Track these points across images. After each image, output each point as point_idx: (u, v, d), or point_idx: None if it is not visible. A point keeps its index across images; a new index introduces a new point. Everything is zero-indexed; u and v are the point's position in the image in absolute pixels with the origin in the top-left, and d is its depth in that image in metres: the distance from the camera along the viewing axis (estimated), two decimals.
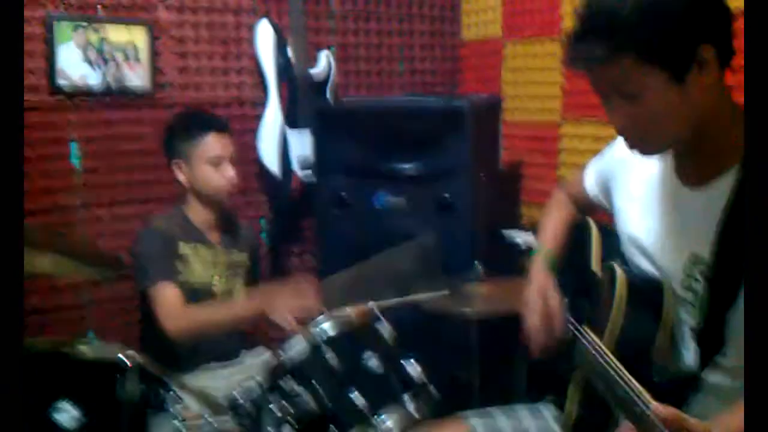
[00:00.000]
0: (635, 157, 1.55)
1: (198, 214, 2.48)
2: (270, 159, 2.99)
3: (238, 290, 2.54)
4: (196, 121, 2.49)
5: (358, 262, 2.25)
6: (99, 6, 2.69)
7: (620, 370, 1.34)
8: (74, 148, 2.72)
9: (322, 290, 2.24)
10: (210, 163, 2.41)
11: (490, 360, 2.45)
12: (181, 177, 2.44)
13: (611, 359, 1.38)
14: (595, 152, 2.80)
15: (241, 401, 1.67)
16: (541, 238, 1.89)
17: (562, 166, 3.09)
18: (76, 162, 2.73)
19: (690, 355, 1.44)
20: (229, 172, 2.44)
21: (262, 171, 3.01)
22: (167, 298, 2.25)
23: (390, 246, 2.37)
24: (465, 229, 2.66)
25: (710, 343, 1.39)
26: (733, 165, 1.35)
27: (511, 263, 3.08)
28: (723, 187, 1.36)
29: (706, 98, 1.32)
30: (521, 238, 2.77)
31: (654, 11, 1.27)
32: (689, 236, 1.43)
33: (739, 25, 1.29)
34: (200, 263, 2.44)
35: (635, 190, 1.60)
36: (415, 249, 2.35)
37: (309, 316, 2.15)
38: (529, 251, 2.68)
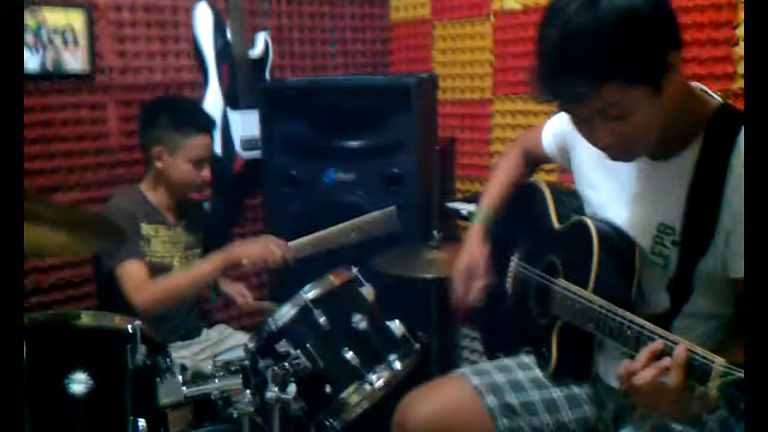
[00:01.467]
0: None
1: (159, 197, 2.49)
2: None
3: None
4: (189, 115, 2.49)
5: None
6: None
7: (607, 305, 1.45)
8: None
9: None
10: (192, 163, 2.43)
11: (447, 322, 2.58)
12: (159, 164, 2.43)
13: (596, 299, 1.50)
14: (526, 127, 3.01)
15: (236, 367, 1.73)
16: (484, 197, 2.00)
17: (495, 141, 3.25)
18: None
19: (660, 302, 1.55)
20: (206, 173, 2.47)
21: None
22: (134, 273, 2.26)
23: (341, 221, 2.48)
24: (414, 200, 2.77)
25: (680, 293, 1.50)
26: (695, 138, 1.44)
27: (457, 232, 3.25)
28: (688, 159, 1.45)
29: (674, 96, 1.39)
30: (464, 208, 2.93)
31: (626, 34, 1.28)
32: (657, 207, 1.52)
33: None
34: (161, 244, 2.45)
35: (596, 159, 1.66)
36: (380, 217, 2.45)
37: (275, 261, 2.26)
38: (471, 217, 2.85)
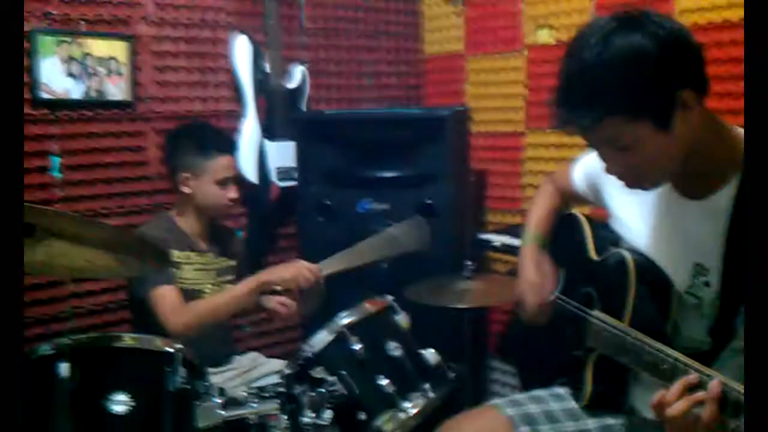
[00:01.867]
0: None
1: (189, 223, 2.53)
2: (248, 170, 3.05)
3: None
4: (211, 138, 2.55)
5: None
6: (81, 21, 2.72)
7: (643, 338, 1.45)
8: (56, 162, 2.72)
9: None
10: (219, 183, 2.48)
11: (479, 353, 2.57)
12: (186, 189, 2.48)
13: (632, 331, 1.50)
14: (559, 160, 3.02)
15: (270, 393, 1.75)
16: (529, 223, 2.00)
17: (527, 174, 3.26)
18: (57, 174, 2.73)
19: (698, 339, 1.54)
20: (233, 193, 2.52)
21: (241, 183, 3.07)
22: (168, 297, 2.29)
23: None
24: (446, 231, 2.79)
25: (722, 336, 1.50)
26: (732, 177, 1.45)
27: (488, 263, 3.26)
28: (724, 199, 1.45)
29: (692, 132, 1.41)
30: (496, 239, 2.94)
31: (631, 72, 1.32)
32: (692, 247, 1.52)
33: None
34: (192, 270, 2.49)
35: (630, 197, 1.67)
36: (407, 227, 2.47)
37: (308, 283, 2.29)
38: (505, 249, 2.86)
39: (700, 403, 1.24)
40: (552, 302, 1.83)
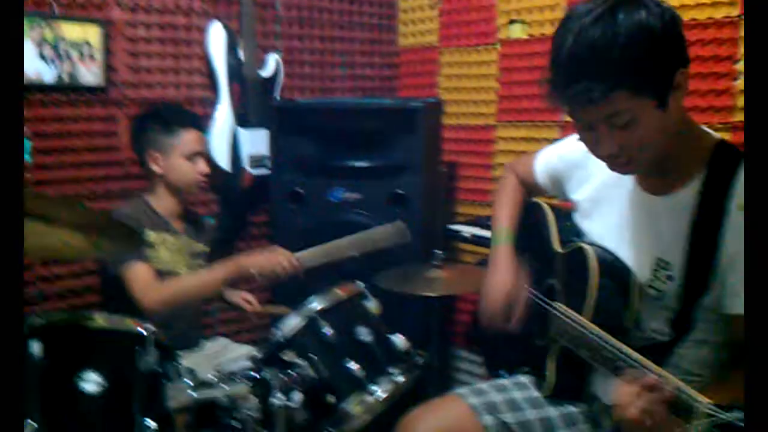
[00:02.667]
0: (591, 158, 1.64)
1: (163, 204, 2.54)
2: (221, 157, 3.05)
3: None
4: (174, 115, 2.57)
5: None
6: (54, 4, 2.70)
7: (602, 335, 1.49)
8: (27, 145, 2.70)
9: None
10: (186, 158, 2.50)
11: (445, 342, 2.61)
12: (156, 168, 2.50)
13: (592, 327, 1.54)
14: (527, 154, 3.05)
15: (239, 376, 1.77)
16: (498, 218, 2.01)
17: (498, 167, 3.31)
18: (27, 158, 2.71)
19: (659, 332, 1.59)
20: (203, 167, 2.54)
21: (212, 169, 3.07)
22: (141, 274, 2.30)
23: None
24: (417, 221, 2.82)
25: (682, 327, 1.55)
26: (697, 174, 1.49)
27: (457, 253, 3.30)
28: (688, 196, 1.50)
29: (677, 116, 1.45)
30: (466, 230, 2.98)
31: (639, 48, 1.34)
32: (655, 242, 1.56)
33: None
34: (166, 251, 2.49)
35: (595, 192, 1.72)
36: (388, 231, 2.50)
37: (283, 272, 2.31)
38: (474, 241, 2.89)
39: (654, 404, 1.29)
40: (526, 304, 1.84)
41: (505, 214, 2.01)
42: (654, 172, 1.55)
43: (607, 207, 1.69)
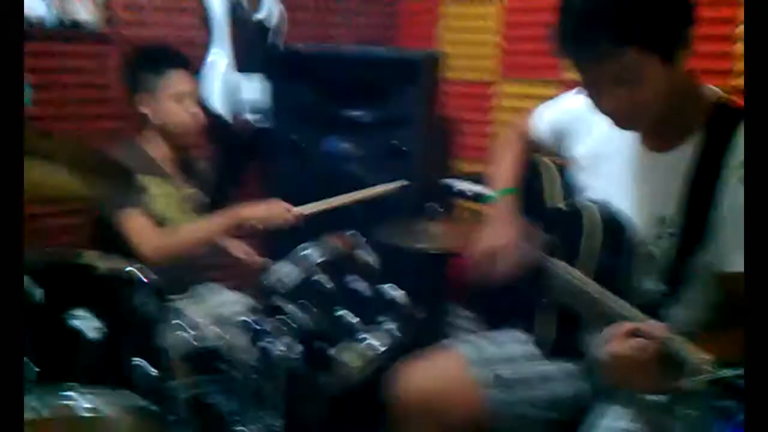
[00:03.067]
0: (591, 114, 1.64)
1: (156, 148, 2.49)
2: (214, 101, 2.99)
3: None
4: (161, 56, 2.49)
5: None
6: None
7: (602, 291, 1.49)
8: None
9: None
10: (175, 99, 2.43)
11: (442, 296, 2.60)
12: (146, 110, 2.44)
13: (591, 283, 1.54)
14: (528, 111, 3.02)
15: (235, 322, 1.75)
16: (498, 174, 1.99)
17: (496, 123, 3.26)
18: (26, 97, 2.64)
19: (654, 290, 1.57)
20: (194, 108, 2.47)
21: (207, 114, 3.01)
22: (140, 223, 2.26)
23: (340, 190, 2.49)
24: (415, 175, 2.78)
25: (674, 283, 1.54)
26: (696, 131, 1.49)
27: (455, 208, 3.28)
28: (687, 153, 1.50)
29: (680, 77, 1.45)
30: (464, 185, 2.96)
31: (650, 4, 1.34)
32: (655, 198, 1.56)
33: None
34: (159, 195, 2.45)
35: (595, 148, 1.72)
36: (388, 190, 2.47)
37: (286, 224, 2.28)
38: (473, 197, 2.87)
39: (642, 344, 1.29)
40: (523, 259, 1.81)
41: (504, 167, 1.99)
42: (655, 129, 1.55)
43: (607, 162, 1.69)
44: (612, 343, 1.33)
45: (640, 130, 1.57)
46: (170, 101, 2.43)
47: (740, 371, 1.12)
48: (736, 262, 1.42)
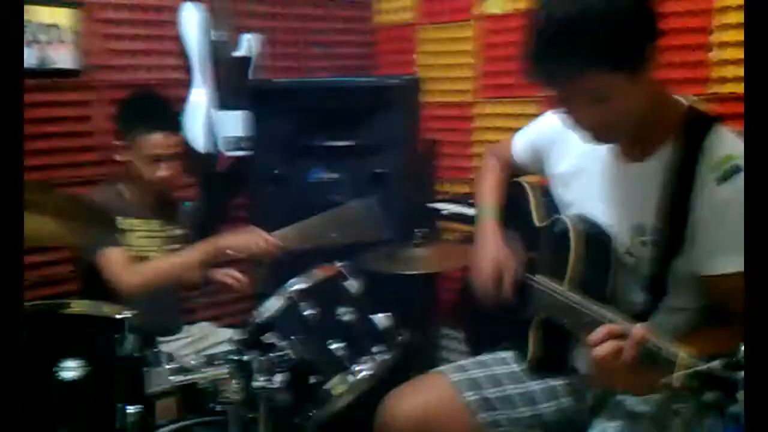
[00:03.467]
0: (568, 132, 1.68)
1: (135, 192, 2.49)
2: (197, 140, 3.01)
3: None
4: (148, 112, 2.49)
5: None
6: None
7: (584, 302, 1.50)
8: None
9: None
10: (154, 160, 2.42)
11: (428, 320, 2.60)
12: (119, 158, 2.45)
13: (573, 295, 1.55)
14: (507, 130, 3.04)
15: (220, 360, 1.76)
16: (482, 197, 2.03)
17: (476, 144, 3.29)
18: None
19: (636, 300, 1.60)
20: (164, 171, 2.45)
21: (189, 152, 3.03)
22: (116, 257, 2.27)
23: None
24: (398, 199, 2.81)
25: (656, 292, 1.56)
26: (669, 139, 1.52)
27: (438, 231, 3.29)
28: (661, 161, 1.52)
29: (651, 87, 1.48)
30: (446, 208, 2.98)
31: (615, 23, 1.37)
32: (632, 207, 1.59)
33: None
34: (137, 237, 2.46)
35: (574, 164, 1.75)
36: (361, 206, 2.47)
37: (261, 253, 2.28)
38: (457, 218, 2.89)
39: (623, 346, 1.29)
40: (519, 278, 1.84)
41: (488, 191, 2.03)
42: (631, 140, 1.58)
43: (585, 177, 1.71)
44: (594, 346, 1.33)
45: (617, 143, 1.60)
46: (143, 160, 2.42)
47: (724, 361, 1.13)
48: (718, 265, 1.45)
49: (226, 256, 2.37)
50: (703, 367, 1.15)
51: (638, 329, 1.28)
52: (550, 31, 1.40)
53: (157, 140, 2.43)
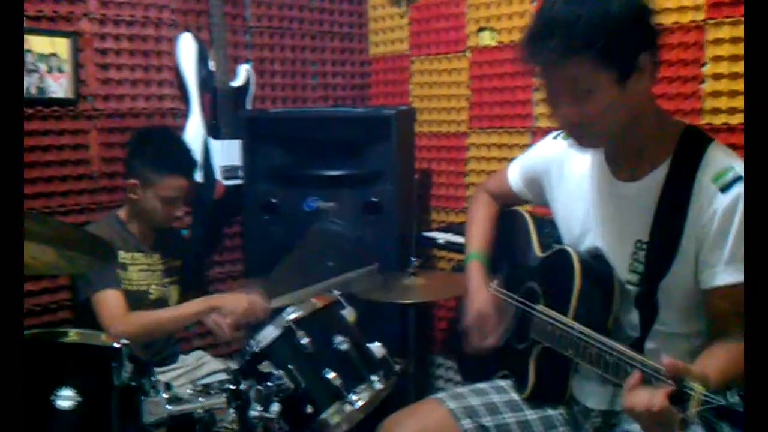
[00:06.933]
0: (566, 157, 1.76)
1: (135, 225, 2.51)
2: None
3: (173, 297, 2.58)
4: (168, 154, 2.50)
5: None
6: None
7: (588, 332, 1.51)
8: None
9: (266, 287, 2.36)
10: (166, 202, 2.45)
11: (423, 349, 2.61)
12: (133, 196, 2.46)
13: (577, 325, 1.56)
14: (500, 159, 3.09)
15: (216, 390, 1.75)
16: (471, 239, 2.04)
17: (470, 173, 3.32)
18: None
19: (632, 322, 1.62)
20: (178, 212, 2.50)
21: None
22: (111, 303, 2.28)
23: (319, 247, 2.52)
24: (391, 228, 2.83)
25: (647, 309, 1.58)
26: (665, 160, 1.55)
27: (432, 260, 3.31)
28: (657, 179, 1.55)
29: (639, 101, 1.51)
30: (440, 237, 3.00)
31: (607, 19, 1.42)
32: (632, 225, 1.60)
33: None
34: (138, 271, 2.47)
35: (572, 187, 1.77)
36: (362, 274, 2.46)
37: (256, 319, 2.29)
38: (451, 247, 2.90)
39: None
40: (498, 332, 1.85)
41: (475, 231, 2.04)
42: (625, 160, 1.61)
43: (583, 200, 1.73)
44: (626, 397, 1.33)
45: (599, 148, 1.63)
46: (158, 201, 2.44)
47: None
48: (726, 276, 1.46)
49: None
50: (721, 401, 1.16)
51: (664, 378, 1.27)
52: (547, 21, 1.46)
53: (177, 184, 2.45)
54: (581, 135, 1.58)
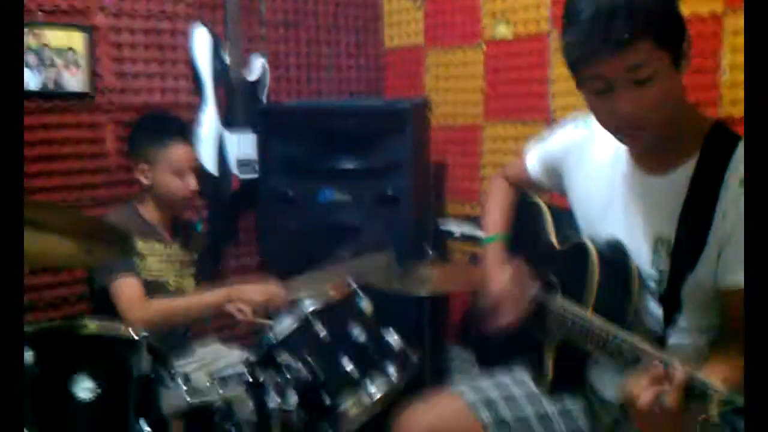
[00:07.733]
0: (586, 144, 1.72)
1: (153, 213, 2.53)
2: (208, 162, 3.04)
3: (189, 288, 2.59)
4: (163, 127, 2.54)
5: (303, 257, 2.39)
6: (39, 11, 2.68)
7: (606, 326, 1.48)
8: None
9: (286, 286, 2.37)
10: (174, 172, 2.47)
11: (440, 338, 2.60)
12: (145, 180, 2.48)
13: (595, 319, 1.53)
14: (515, 152, 3.07)
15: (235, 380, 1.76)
16: (489, 224, 2.02)
17: (486, 166, 3.31)
18: None
19: (654, 316, 1.59)
20: (192, 181, 2.52)
21: (200, 173, 3.06)
22: (129, 290, 2.29)
23: (335, 240, 2.52)
24: (407, 221, 2.82)
25: (671, 306, 1.55)
26: (691, 154, 1.51)
27: (447, 251, 3.31)
28: (684, 174, 1.51)
29: (681, 91, 1.48)
30: (456, 227, 2.99)
31: (666, 2, 1.41)
32: (655, 220, 1.57)
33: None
34: (155, 260, 2.48)
35: (592, 176, 1.72)
36: (377, 259, 2.46)
37: (276, 308, 2.30)
38: (466, 238, 2.90)
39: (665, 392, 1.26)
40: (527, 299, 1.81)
41: (494, 215, 2.02)
42: (652, 152, 1.56)
43: (604, 190, 1.69)
44: (637, 394, 1.30)
45: (643, 144, 1.55)
46: (169, 174, 2.47)
47: None
48: (736, 280, 1.43)
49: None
50: (740, 402, 1.14)
51: (680, 372, 1.25)
52: (604, 4, 1.38)
53: (179, 151, 2.49)
54: (636, 131, 1.49)
